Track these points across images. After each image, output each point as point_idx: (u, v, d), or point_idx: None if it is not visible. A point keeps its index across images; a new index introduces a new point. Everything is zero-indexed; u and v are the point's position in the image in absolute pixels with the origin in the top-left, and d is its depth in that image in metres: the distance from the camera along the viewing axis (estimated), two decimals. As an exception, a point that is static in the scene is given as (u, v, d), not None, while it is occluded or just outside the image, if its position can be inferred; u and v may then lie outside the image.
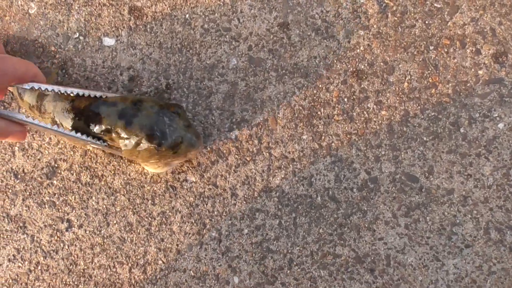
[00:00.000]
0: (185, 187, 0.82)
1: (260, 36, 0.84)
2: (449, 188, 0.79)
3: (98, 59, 0.86)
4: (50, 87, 0.65)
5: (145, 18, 0.88)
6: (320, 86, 0.82)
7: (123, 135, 0.67)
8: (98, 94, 0.68)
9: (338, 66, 0.82)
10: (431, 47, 0.81)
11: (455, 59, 0.80)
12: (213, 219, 0.81)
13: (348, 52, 0.82)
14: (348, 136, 0.80)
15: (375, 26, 0.82)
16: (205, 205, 0.81)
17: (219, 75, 0.84)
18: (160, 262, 0.82)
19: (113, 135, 0.67)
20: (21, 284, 0.84)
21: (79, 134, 0.66)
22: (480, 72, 0.80)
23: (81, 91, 0.67)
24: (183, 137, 0.70)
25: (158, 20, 0.87)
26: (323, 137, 0.81)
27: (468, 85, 0.80)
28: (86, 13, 0.89)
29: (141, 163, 0.75)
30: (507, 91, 0.79)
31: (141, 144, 0.68)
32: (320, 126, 0.81)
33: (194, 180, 0.82)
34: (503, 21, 0.80)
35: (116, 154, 0.72)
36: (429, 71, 0.80)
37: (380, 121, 0.80)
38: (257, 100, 0.83)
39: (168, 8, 0.87)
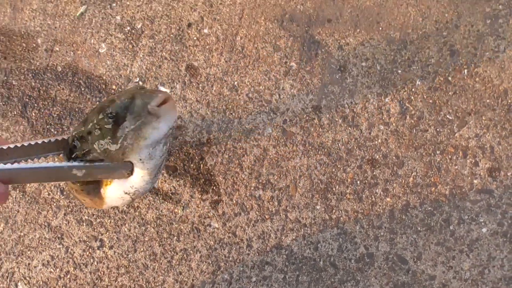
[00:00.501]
0: (208, 231, 0.95)
1: (295, 113, 0.98)
2: (432, 274, 0.92)
3: (153, 107, 0.99)
4: None
5: (199, 77, 1.01)
6: (338, 166, 0.95)
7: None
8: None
9: (357, 152, 0.96)
10: (438, 152, 0.95)
11: (456, 166, 0.94)
12: (227, 263, 0.94)
13: (367, 141, 0.96)
14: (355, 213, 0.94)
15: (394, 124, 0.96)
16: (223, 250, 0.94)
17: (254, 139, 0.97)
18: (175, 292, 0.94)
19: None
20: (51, 289, 0.96)
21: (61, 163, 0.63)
22: (475, 181, 0.94)
23: (26, 142, 0.64)
24: None
25: (210, 81, 1.00)
26: (334, 211, 0.94)
27: (463, 190, 0.93)
28: (149, 62, 1.02)
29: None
30: (495, 202, 0.93)
31: None
32: (333, 201, 0.94)
33: (217, 227, 0.95)
34: (502, 142, 0.94)
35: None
36: (432, 172, 0.94)
37: (384, 206, 0.94)
38: (283, 168, 0.96)
39: (220, 73, 1.01)
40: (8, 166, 0.57)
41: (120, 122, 0.65)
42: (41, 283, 0.96)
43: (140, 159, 0.67)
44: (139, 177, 0.70)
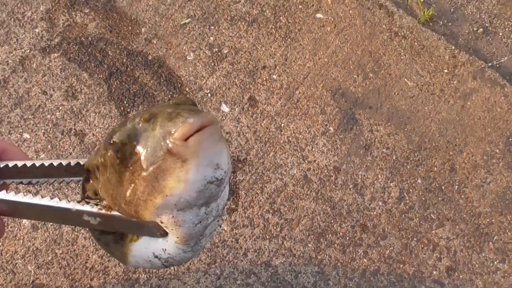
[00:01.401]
0: (217, 230, 1.14)
1: (319, 166, 1.20)
2: (377, 332, 1.12)
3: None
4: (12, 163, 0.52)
5: (256, 109, 1.23)
6: (337, 220, 1.17)
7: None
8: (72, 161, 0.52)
9: (355, 215, 1.18)
10: (415, 239, 1.17)
11: (424, 255, 1.17)
12: (222, 261, 1.12)
13: (365, 210, 1.18)
14: (336, 261, 1.14)
15: (390, 204, 1.19)
16: (223, 250, 1.13)
17: (280, 173, 1.19)
18: (171, 270, 1.11)
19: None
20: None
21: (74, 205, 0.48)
22: (434, 272, 1.16)
23: (47, 162, 0.52)
24: None
25: (263, 115, 1.23)
26: (320, 253, 1.14)
27: (423, 275, 1.15)
28: (222, 82, 1.25)
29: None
30: (443, 294, 1.15)
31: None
32: (323, 244, 1.15)
33: (226, 229, 1.14)
34: (464, 250, 1.18)
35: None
36: (405, 252, 1.16)
37: (360, 264, 1.14)
38: (294, 204, 1.17)
39: (273, 112, 1.23)
40: (11, 197, 0.49)
41: (129, 160, 0.43)
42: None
43: (161, 222, 0.45)
44: (172, 242, 0.48)
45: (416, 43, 1.34)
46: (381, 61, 1.31)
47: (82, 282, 1.06)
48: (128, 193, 0.43)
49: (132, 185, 0.43)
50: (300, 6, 1.34)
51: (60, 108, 1.19)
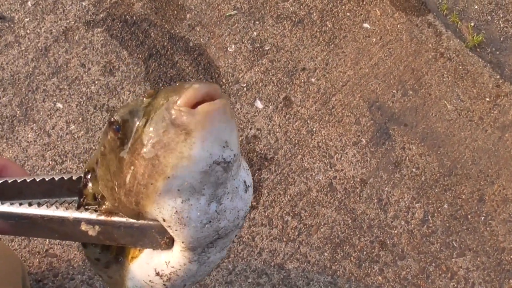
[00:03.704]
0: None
1: (346, 176, 1.18)
2: None
3: (244, 110, 1.20)
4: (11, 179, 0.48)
5: (290, 109, 1.22)
6: (357, 232, 1.14)
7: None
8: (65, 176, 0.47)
9: (376, 230, 1.15)
10: (433, 264, 1.14)
11: (441, 282, 1.13)
12: (236, 257, 1.11)
13: (387, 227, 1.16)
14: (350, 274, 1.12)
15: (413, 225, 1.16)
16: (238, 246, 1.11)
17: (305, 177, 1.17)
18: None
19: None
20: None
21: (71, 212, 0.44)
22: (450, 301, 1.13)
23: (47, 177, 0.47)
24: None
25: (296, 117, 1.21)
26: (336, 263, 1.12)
27: (437, 303, 1.12)
28: (259, 78, 1.24)
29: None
30: (456, 325, 1.12)
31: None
32: (339, 255, 1.13)
33: (244, 225, 1.12)
34: (483, 283, 1.14)
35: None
36: (422, 276, 1.13)
37: (374, 281, 1.12)
38: (316, 210, 1.15)
39: (307, 116, 1.22)
40: (5, 208, 0.44)
41: (129, 139, 0.39)
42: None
43: (164, 220, 0.38)
44: (177, 251, 0.42)
45: (460, 67, 1.31)
46: (423, 80, 1.28)
47: (94, 256, 1.06)
48: (127, 179, 0.38)
49: (132, 167, 0.37)
50: (348, 14, 1.32)
51: (96, 82, 1.20)
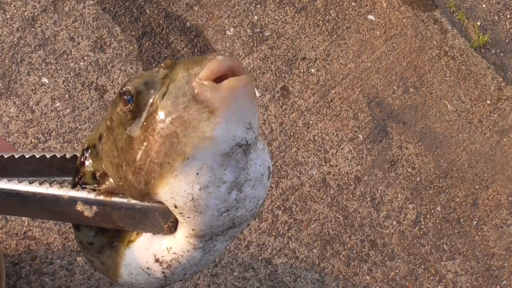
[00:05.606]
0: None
1: (340, 172, 1.15)
2: None
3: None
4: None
5: (287, 100, 1.17)
6: (347, 230, 1.12)
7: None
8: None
9: (367, 229, 1.13)
10: (422, 266, 1.13)
11: (429, 285, 1.12)
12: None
13: (378, 226, 1.13)
14: (338, 272, 1.10)
15: (404, 226, 1.14)
16: (226, 237, 1.08)
17: (299, 171, 1.13)
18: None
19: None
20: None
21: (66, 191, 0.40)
22: (436, 305, 1.12)
23: (38, 154, 0.43)
24: None
25: (293, 108, 1.17)
26: (324, 261, 1.09)
27: (424, 305, 1.11)
28: (257, 64, 1.19)
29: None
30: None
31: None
32: (328, 253, 1.10)
33: (232, 217, 1.09)
34: (470, 287, 1.13)
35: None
36: (410, 278, 1.12)
37: (362, 280, 1.10)
38: (307, 206, 1.12)
39: (304, 107, 1.18)
40: None
41: (143, 113, 0.35)
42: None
43: (176, 206, 0.35)
44: (182, 237, 0.38)
45: (464, 67, 1.28)
46: (425, 78, 1.25)
47: (75, 242, 1.01)
48: (138, 156, 0.34)
49: (145, 144, 0.34)
50: (353, 4, 1.28)
51: (85, 58, 1.13)
